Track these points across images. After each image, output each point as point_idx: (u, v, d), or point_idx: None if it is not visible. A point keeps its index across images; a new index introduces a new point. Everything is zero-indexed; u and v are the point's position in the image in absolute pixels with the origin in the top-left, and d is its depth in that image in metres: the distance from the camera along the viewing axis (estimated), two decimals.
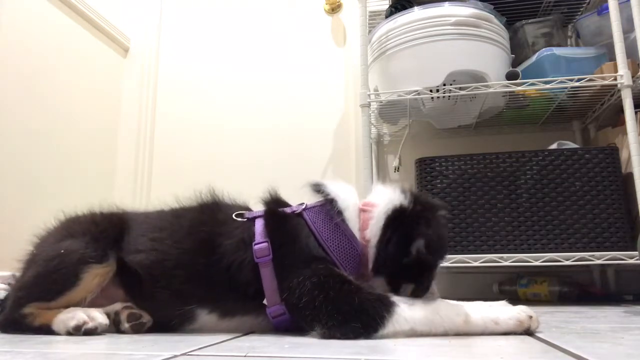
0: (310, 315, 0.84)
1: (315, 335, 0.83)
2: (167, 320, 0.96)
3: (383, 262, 0.92)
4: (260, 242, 0.93)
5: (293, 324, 0.90)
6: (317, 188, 1.01)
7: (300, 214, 0.98)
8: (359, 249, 0.93)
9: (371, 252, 0.93)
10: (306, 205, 1.00)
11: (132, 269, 0.99)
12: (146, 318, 0.97)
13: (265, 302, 0.91)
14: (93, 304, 0.98)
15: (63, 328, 0.91)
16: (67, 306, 0.95)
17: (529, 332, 0.82)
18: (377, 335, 0.80)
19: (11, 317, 0.96)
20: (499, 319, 0.82)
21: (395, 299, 0.83)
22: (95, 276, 0.96)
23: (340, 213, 0.95)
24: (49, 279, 0.95)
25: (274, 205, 1.03)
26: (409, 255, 0.90)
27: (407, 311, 0.82)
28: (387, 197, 0.97)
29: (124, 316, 0.96)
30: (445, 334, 0.81)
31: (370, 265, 0.93)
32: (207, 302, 0.95)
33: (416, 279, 0.94)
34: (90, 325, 0.90)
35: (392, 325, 0.80)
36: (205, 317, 0.96)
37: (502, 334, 0.81)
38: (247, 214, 1.00)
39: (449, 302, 0.87)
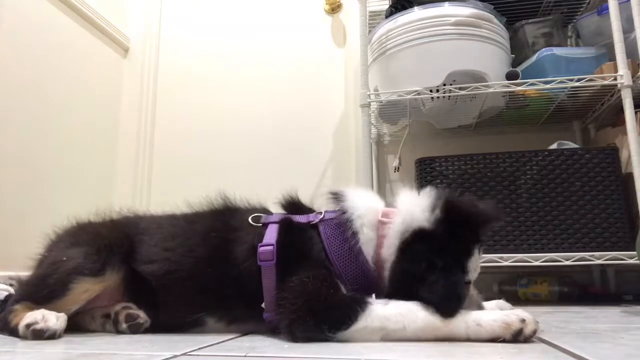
0: (285, 309, 0.82)
1: (284, 328, 0.81)
2: (175, 327, 0.96)
3: (393, 291, 0.84)
4: (266, 244, 0.90)
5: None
6: (336, 198, 0.96)
7: (315, 226, 0.94)
8: (371, 274, 0.88)
9: (386, 274, 0.87)
10: (323, 215, 0.96)
11: (140, 278, 0.98)
12: (143, 319, 0.97)
13: (263, 305, 0.90)
14: (96, 306, 0.97)
15: (21, 328, 0.88)
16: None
17: (521, 338, 0.73)
18: (348, 332, 0.77)
19: (3, 313, 0.95)
20: (482, 320, 0.75)
21: (369, 299, 0.81)
22: (85, 290, 0.94)
23: (355, 234, 0.89)
24: (44, 283, 0.94)
25: (292, 211, 1.00)
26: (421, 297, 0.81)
27: (379, 309, 0.79)
28: (406, 209, 0.89)
29: (122, 317, 0.96)
30: (424, 335, 0.76)
31: (386, 288, 0.87)
32: (217, 311, 0.95)
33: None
34: (39, 326, 0.87)
35: (364, 320, 0.77)
36: (214, 324, 0.96)
37: (489, 339, 0.74)
38: (264, 219, 0.97)
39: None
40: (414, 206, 0.89)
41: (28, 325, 0.87)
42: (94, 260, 0.96)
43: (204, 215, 1.05)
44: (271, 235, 0.92)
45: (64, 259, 0.96)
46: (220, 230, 0.98)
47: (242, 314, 0.94)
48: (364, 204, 0.94)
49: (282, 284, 0.86)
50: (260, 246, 0.90)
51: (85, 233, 1.05)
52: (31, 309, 0.91)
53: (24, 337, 0.86)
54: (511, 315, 0.76)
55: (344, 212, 0.93)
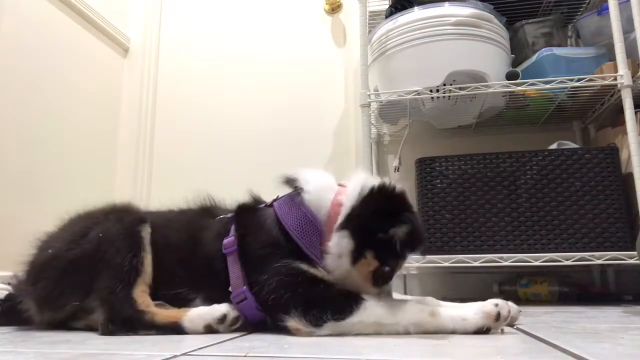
0: (279, 312, 0.86)
1: (287, 329, 0.85)
2: (165, 301, 0.99)
3: (355, 218, 0.90)
4: (231, 236, 0.99)
5: (260, 312, 0.93)
6: (284, 177, 1.03)
7: (270, 205, 1.03)
8: (317, 224, 0.94)
9: (344, 211, 0.92)
10: (278, 196, 1.04)
11: None
12: None
13: (230, 289, 0.95)
14: None
15: (202, 323, 0.91)
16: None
17: (500, 321, 0.81)
18: (344, 323, 0.82)
19: (125, 314, 0.92)
20: (466, 315, 0.83)
21: (364, 295, 0.86)
22: (149, 233, 1.02)
23: (300, 189, 0.97)
24: (115, 258, 0.96)
25: (250, 203, 1.09)
26: (387, 229, 0.89)
27: (374, 305, 0.84)
28: (365, 176, 0.99)
29: None
30: (415, 330, 0.82)
31: (338, 222, 0.92)
32: (199, 289, 1.00)
33: (384, 257, 0.91)
34: (233, 314, 0.92)
35: (359, 315, 0.82)
36: (197, 303, 0.98)
37: (475, 331, 0.81)
38: (230, 214, 1.07)
39: (416, 300, 0.89)
40: (370, 176, 1.00)
41: (222, 319, 0.91)
42: (133, 215, 1.04)
43: (192, 208, 1.15)
44: (233, 226, 1.01)
45: (101, 235, 0.98)
46: (198, 219, 1.09)
47: (220, 296, 0.97)
48: (311, 172, 1.03)
49: (257, 277, 0.92)
50: (226, 238, 0.99)
51: (94, 216, 1.08)
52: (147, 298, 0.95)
53: (205, 331, 0.91)
54: (487, 304, 0.83)
55: (289, 180, 1.01)
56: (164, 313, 0.94)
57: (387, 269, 0.91)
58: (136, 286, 0.95)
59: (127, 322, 0.92)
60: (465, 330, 0.82)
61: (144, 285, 0.96)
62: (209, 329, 0.91)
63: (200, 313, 0.92)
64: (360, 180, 0.97)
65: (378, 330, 0.82)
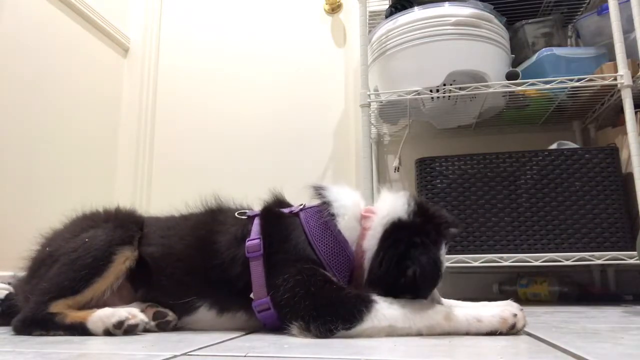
0: (290, 311, 0.86)
1: (294, 331, 0.84)
2: (171, 310, 0.98)
3: (375, 278, 0.90)
4: (254, 238, 0.95)
5: (279, 321, 0.91)
6: (317, 191, 1.01)
7: (297, 214, 0.99)
8: (350, 254, 0.93)
9: (366, 264, 0.92)
10: (304, 206, 1.01)
11: (142, 261, 1.01)
12: (172, 317, 0.98)
13: (252, 295, 0.92)
14: (105, 302, 0.97)
15: (101, 326, 0.89)
16: (92, 299, 0.94)
17: (514, 331, 0.81)
18: (355, 331, 0.81)
19: (37, 316, 0.93)
20: (482, 317, 0.81)
21: (375, 297, 0.84)
22: (125, 259, 0.97)
23: (332, 216, 0.95)
24: (76, 267, 0.94)
25: (274, 205, 1.04)
26: (405, 277, 0.87)
27: (386, 308, 0.82)
28: (388, 205, 0.96)
29: (149, 315, 0.96)
30: (428, 332, 0.81)
31: (365, 277, 0.92)
32: (206, 296, 0.98)
33: (415, 293, 0.90)
34: (132, 321, 0.89)
35: (370, 320, 0.81)
36: (205, 311, 0.98)
37: (488, 333, 0.81)
38: (249, 212, 1.03)
39: (431, 301, 0.88)
40: (393, 202, 0.96)
41: (120, 324, 0.88)
42: (123, 231, 0.99)
43: (195, 212, 1.12)
44: (256, 228, 0.98)
45: (87, 240, 0.97)
46: (207, 222, 1.05)
47: (231, 303, 0.97)
48: (346, 197, 1.00)
49: (275, 280, 0.89)
50: (249, 240, 0.95)
51: (94, 218, 1.07)
52: (76, 305, 0.92)
53: (105, 334, 0.89)
54: (506, 311, 0.82)
55: (324, 199, 0.98)
56: (73, 314, 0.92)
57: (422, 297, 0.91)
58: (63, 300, 0.93)
59: (36, 322, 0.93)
60: (478, 332, 0.81)
61: (72, 302, 0.94)
62: (108, 333, 0.89)
63: (101, 316, 0.90)
64: (382, 215, 0.93)
65: (390, 334, 0.81)
